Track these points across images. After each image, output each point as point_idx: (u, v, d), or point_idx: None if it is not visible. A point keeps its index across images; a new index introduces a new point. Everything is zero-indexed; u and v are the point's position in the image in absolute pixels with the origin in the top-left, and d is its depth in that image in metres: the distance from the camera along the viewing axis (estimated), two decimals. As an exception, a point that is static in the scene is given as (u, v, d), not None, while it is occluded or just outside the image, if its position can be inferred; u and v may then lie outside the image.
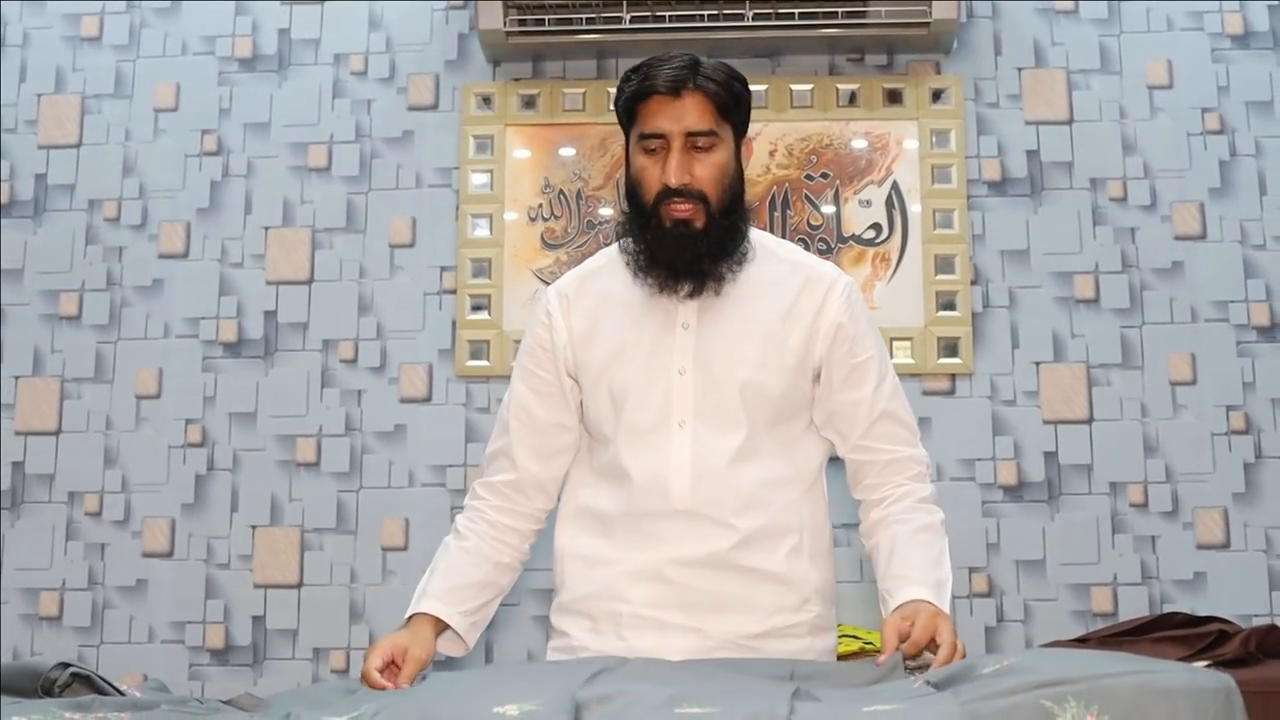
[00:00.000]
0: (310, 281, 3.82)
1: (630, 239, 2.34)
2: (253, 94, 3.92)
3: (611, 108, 3.61)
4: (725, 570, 2.24)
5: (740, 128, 2.33)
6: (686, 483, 2.25)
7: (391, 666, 2.13)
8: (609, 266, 2.42)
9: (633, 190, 2.31)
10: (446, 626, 2.26)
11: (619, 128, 2.39)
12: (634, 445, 2.29)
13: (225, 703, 1.87)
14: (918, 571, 2.22)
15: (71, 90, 3.95)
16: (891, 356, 3.60)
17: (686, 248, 2.26)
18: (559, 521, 2.41)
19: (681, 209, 2.24)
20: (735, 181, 2.32)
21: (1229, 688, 1.45)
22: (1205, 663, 1.68)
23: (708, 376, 2.28)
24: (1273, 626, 1.69)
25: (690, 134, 2.24)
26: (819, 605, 2.34)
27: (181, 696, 1.89)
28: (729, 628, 2.23)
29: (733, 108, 2.29)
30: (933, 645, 2.06)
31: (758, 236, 2.41)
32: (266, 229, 3.85)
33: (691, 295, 2.30)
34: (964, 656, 2.01)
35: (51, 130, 3.93)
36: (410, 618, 2.24)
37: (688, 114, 2.24)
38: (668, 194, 2.24)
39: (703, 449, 2.25)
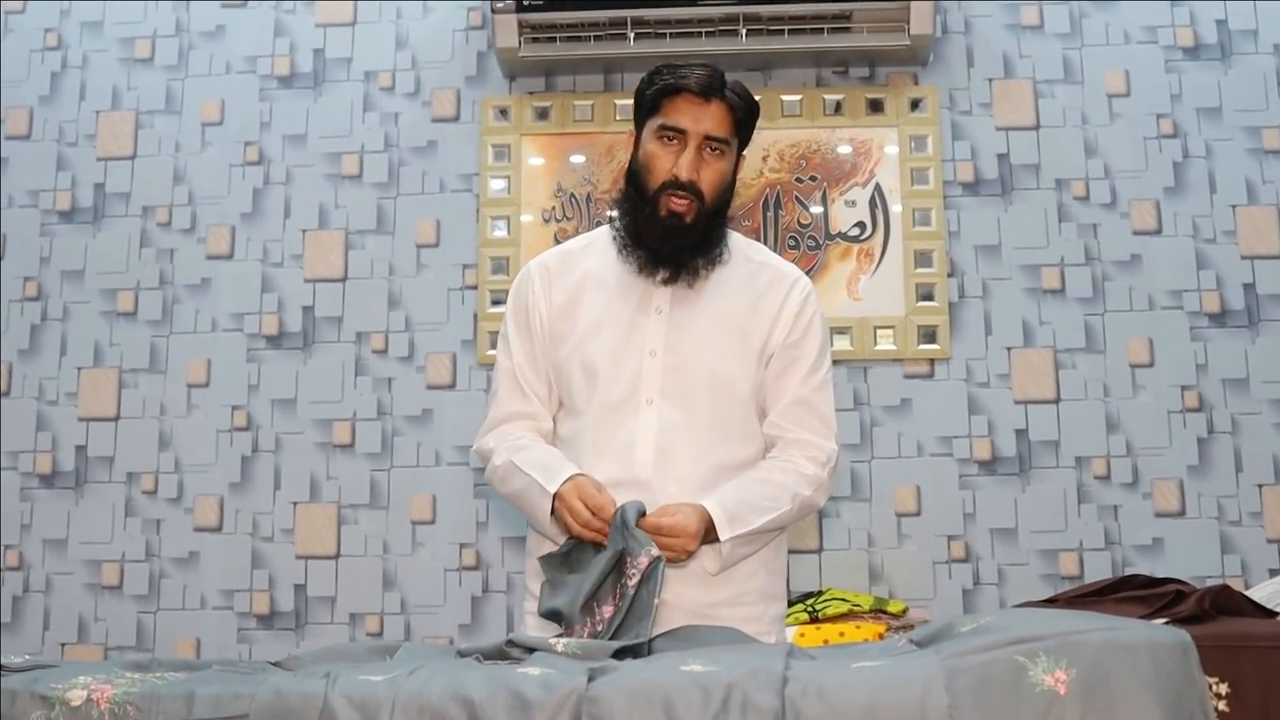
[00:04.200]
0: (344, 279, 3.82)
1: (623, 217, 2.34)
2: (291, 109, 3.91)
3: (618, 118, 3.60)
4: None
5: (743, 144, 2.35)
6: (650, 452, 2.23)
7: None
8: (591, 248, 2.42)
9: (636, 175, 2.31)
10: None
11: (625, 137, 2.39)
12: (604, 418, 2.27)
13: (273, 664, 1.87)
14: (726, 492, 2.19)
15: (126, 107, 3.95)
16: (875, 343, 3.63)
17: (673, 238, 2.27)
18: None
19: (679, 202, 2.25)
20: (729, 189, 2.33)
21: (1185, 642, 1.45)
22: (1163, 620, 1.68)
23: (676, 359, 2.28)
24: (1224, 586, 1.69)
25: (708, 137, 2.25)
26: (767, 575, 2.32)
27: (231, 660, 1.90)
28: (689, 596, 2.21)
29: (746, 123, 2.31)
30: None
31: (732, 238, 2.41)
32: (304, 231, 3.85)
33: (667, 282, 2.30)
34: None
35: (109, 143, 3.93)
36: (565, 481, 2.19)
37: (710, 119, 2.25)
38: (672, 185, 2.25)
39: (667, 426, 2.22)
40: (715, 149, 2.26)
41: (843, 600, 3.30)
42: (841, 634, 3.19)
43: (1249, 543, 3.52)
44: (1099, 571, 3.50)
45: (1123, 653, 1.44)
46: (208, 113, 3.92)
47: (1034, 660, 1.44)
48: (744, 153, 2.38)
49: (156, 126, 3.93)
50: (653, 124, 2.29)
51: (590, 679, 1.52)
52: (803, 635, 3.20)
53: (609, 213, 2.40)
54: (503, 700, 1.49)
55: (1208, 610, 1.67)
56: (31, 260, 3.87)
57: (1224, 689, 1.49)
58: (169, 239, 3.86)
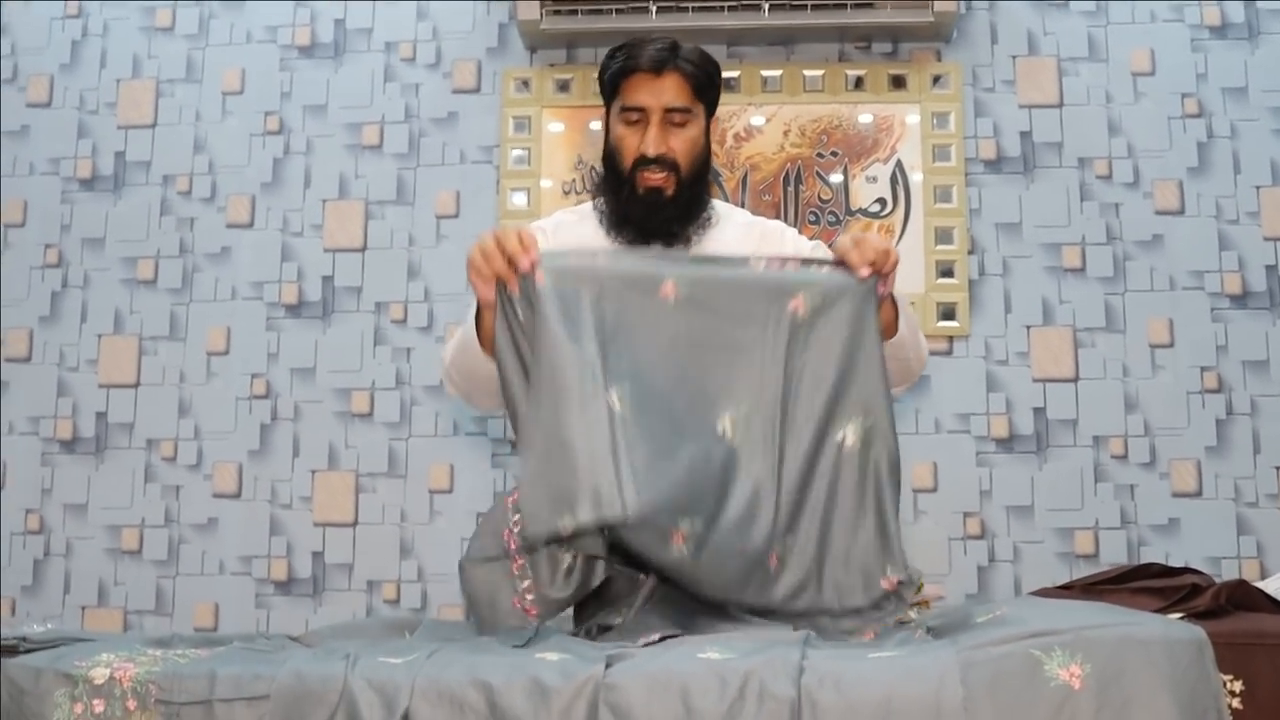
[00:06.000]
0: (364, 249, 3.82)
1: (605, 200, 2.36)
2: (311, 79, 3.91)
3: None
4: None
5: (711, 107, 2.37)
6: None
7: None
8: (584, 220, 2.44)
9: (610, 157, 2.35)
10: None
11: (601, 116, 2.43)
12: None
13: (292, 639, 1.89)
14: None
15: (147, 75, 3.95)
16: (894, 321, 3.62)
17: (656, 212, 2.30)
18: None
19: (655, 177, 2.29)
20: (703, 154, 2.36)
21: (1200, 639, 1.46)
22: (1179, 615, 1.69)
23: None
24: (1241, 581, 1.70)
25: (668, 110, 2.28)
26: None
27: (251, 635, 1.92)
28: None
29: (706, 88, 2.33)
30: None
31: (717, 204, 2.43)
32: (324, 201, 3.85)
33: None
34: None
35: (129, 112, 3.93)
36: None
37: (667, 91, 2.28)
38: (644, 162, 2.29)
39: None
40: (679, 119, 2.29)
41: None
42: (856, 610, 3.21)
43: (1266, 524, 3.51)
44: (1114, 551, 3.51)
45: (1138, 648, 1.44)
46: (228, 82, 3.92)
47: (1049, 654, 1.45)
48: (716, 116, 2.40)
49: (177, 95, 3.93)
50: (615, 107, 2.34)
51: (608, 665, 1.53)
52: (817, 611, 3.21)
53: (593, 199, 2.41)
54: (521, 686, 1.50)
55: (1224, 605, 1.68)
56: (53, 227, 3.88)
57: (1238, 686, 1.50)
58: (189, 208, 3.87)
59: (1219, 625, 1.57)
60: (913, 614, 3.16)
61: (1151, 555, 3.49)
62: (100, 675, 1.57)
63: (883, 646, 1.63)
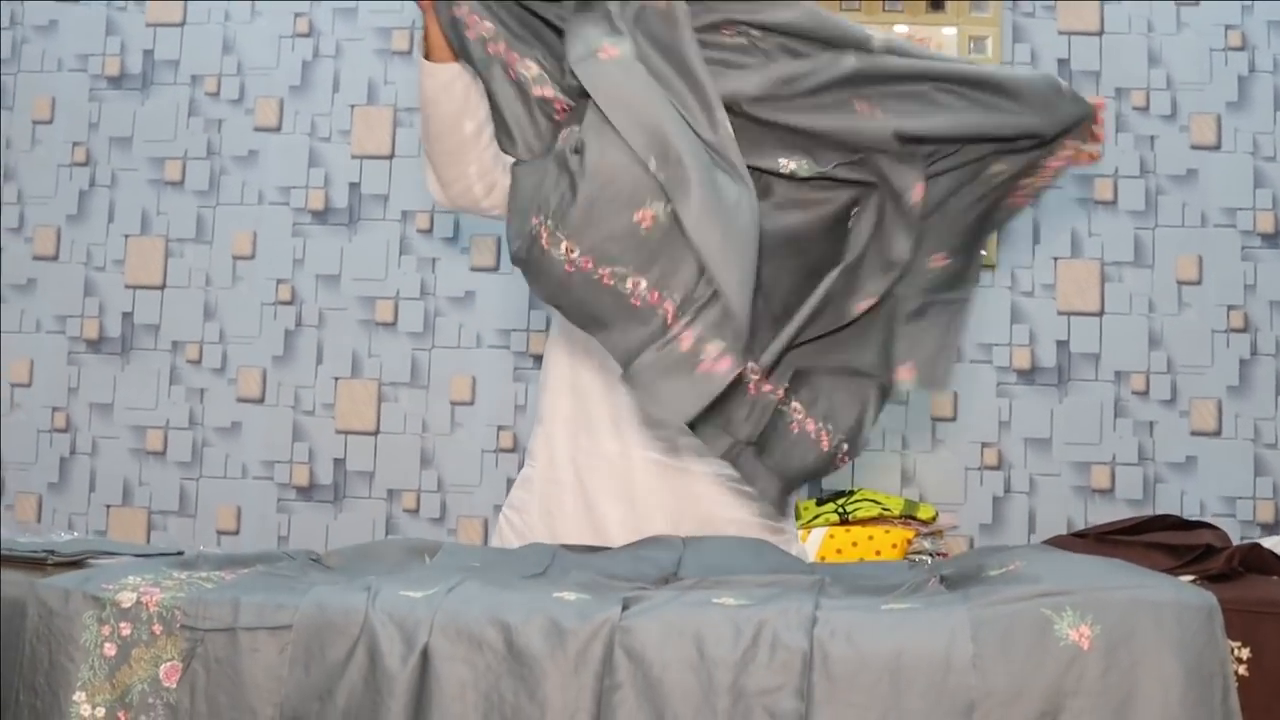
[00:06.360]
0: (391, 156, 3.81)
1: None
2: (342, -18, 3.88)
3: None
4: None
5: None
6: None
7: None
8: None
9: None
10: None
11: None
12: None
13: (313, 559, 1.91)
14: None
15: (176, -27, 3.93)
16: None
17: None
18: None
19: None
20: None
21: (1211, 605, 1.47)
22: (1191, 576, 1.71)
23: None
24: (1255, 545, 1.71)
25: None
26: None
27: (274, 554, 1.94)
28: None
29: None
30: None
31: None
32: (352, 107, 3.84)
33: None
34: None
35: (158, 10, 3.90)
36: None
37: None
38: None
39: None
40: None
41: (874, 503, 3.34)
42: (870, 537, 3.24)
43: (1283, 466, 3.53)
44: (1130, 487, 3.53)
45: (1148, 611, 1.46)
46: (258, -18, 3.90)
47: (1060, 614, 1.47)
48: None
49: (207, -6, 3.90)
50: None
51: (624, 608, 1.56)
52: (832, 536, 3.25)
53: None
54: (538, 626, 1.53)
55: (1237, 568, 1.70)
56: (80, 125, 3.88)
57: (1245, 654, 1.52)
58: (217, 109, 3.86)
59: (1230, 590, 1.59)
60: (926, 545, 3.22)
61: (1167, 493, 3.51)
62: (127, 599, 1.60)
63: (896, 595, 1.66)
